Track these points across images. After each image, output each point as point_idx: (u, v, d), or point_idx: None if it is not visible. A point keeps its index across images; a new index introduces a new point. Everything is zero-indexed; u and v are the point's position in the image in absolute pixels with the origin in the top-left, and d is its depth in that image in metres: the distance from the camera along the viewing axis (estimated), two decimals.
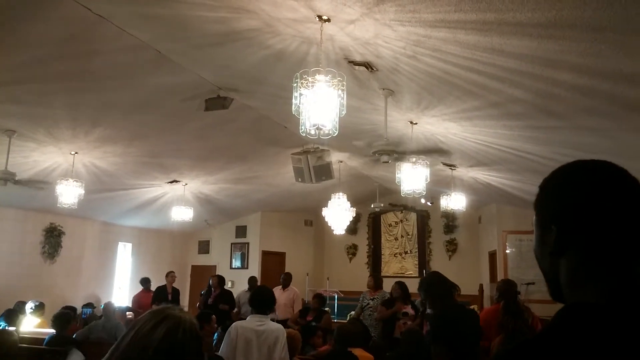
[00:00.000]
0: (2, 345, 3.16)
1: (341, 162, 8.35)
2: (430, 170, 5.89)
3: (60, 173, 7.44)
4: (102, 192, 8.85)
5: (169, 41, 4.42)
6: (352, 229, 12.05)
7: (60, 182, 7.00)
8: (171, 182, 9.14)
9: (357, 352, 4.54)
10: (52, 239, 10.15)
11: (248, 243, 12.52)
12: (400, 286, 6.78)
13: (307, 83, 3.60)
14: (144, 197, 9.91)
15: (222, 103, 5.50)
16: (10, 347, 3.21)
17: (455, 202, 8.04)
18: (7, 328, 5.93)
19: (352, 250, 13.13)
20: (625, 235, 0.78)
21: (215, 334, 5.49)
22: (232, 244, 12.70)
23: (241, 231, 12.65)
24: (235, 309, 8.53)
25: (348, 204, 8.46)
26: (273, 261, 12.33)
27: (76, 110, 5.83)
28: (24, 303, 7.75)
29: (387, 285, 7.46)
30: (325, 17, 3.58)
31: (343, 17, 3.55)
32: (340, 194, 8.40)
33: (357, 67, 4.30)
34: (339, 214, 8.50)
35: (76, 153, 7.12)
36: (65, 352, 4.78)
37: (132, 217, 11.23)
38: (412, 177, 5.73)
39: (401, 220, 12.82)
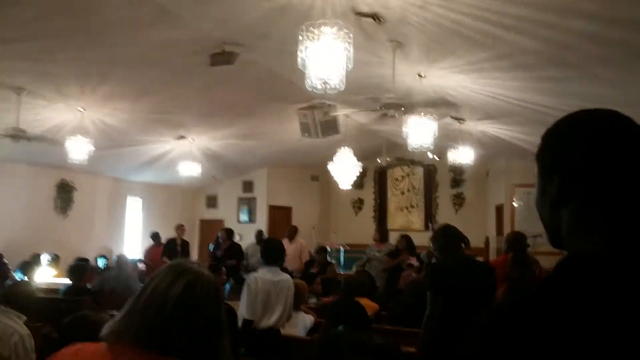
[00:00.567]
0: (20, 295, 3.26)
1: (347, 116, 8.30)
2: (438, 124, 5.85)
3: (70, 130, 7.47)
4: (111, 149, 8.91)
5: None
6: (359, 183, 12.09)
7: (69, 139, 7.05)
8: (178, 138, 9.17)
9: (363, 301, 4.66)
10: (64, 194, 10.32)
11: (255, 198, 12.65)
12: (405, 239, 6.90)
13: (312, 36, 3.55)
14: (153, 153, 9.98)
15: (227, 58, 5.44)
16: (28, 297, 3.30)
17: (463, 156, 8.02)
18: (24, 279, 6.13)
19: (359, 204, 13.25)
20: (628, 185, 0.77)
21: (227, 285, 5.66)
22: (239, 198, 12.85)
23: (248, 186, 12.76)
24: (244, 262, 8.73)
25: (354, 158, 8.47)
26: (280, 215, 12.50)
27: (83, 67, 5.81)
28: (38, 255, 7.99)
29: (394, 240, 7.59)
30: None
31: None
32: (347, 148, 8.40)
33: (364, 18, 4.22)
34: (345, 168, 8.52)
35: (85, 110, 7.14)
36: (81, 301, 4.94)
37: (141, 173, 11.35)
38: (419, 131, 5.71)
39: (408, 175, 12.84)
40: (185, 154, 9.58)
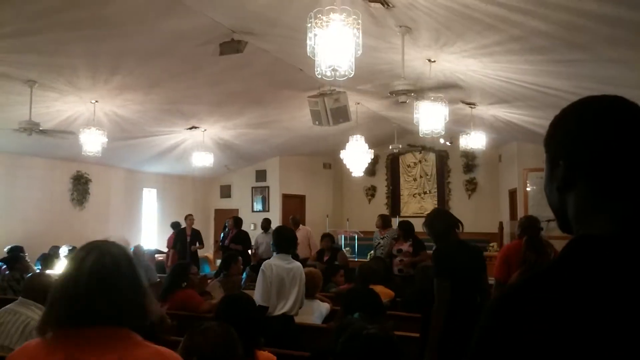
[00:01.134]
0: (40, 286, 3.30)
1: (358, 103, 8.28)
2: (449, 109, 5.82)
3: (83, 122, 7.56)
4: (124, 140, 8.99)
5: None
6: (371, 170, 12.10)
7: (83, 131, 7.13)
8: (190, 128, 9.22)
9: (378, 288, 4.69)
10: (80, 186, 10.46)
11: (268, 187, 12.71)
12: (400, 225, 6.97)
13: (321, 23, 3.54)
14: (165, 144, 10.06)
15: (237, 47, 5.45)
16: (48, 288, 3.34)
17: (474, 141, 7.97)
18: (44, 271, 6.24)
19: (371, 191, 13.25)
20: (632, 169, 0.78)
21: (244, 273, 5.72)
22: (252, 187, 12.92)
23: (261, 175, 12.82)
24: (251, 250, 8.81)
25: (366, 145, 8.45)
26: (293, 204, 12.55)
27: (94, 59, 5.85)
28: (57, 248, 8.11)
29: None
30: None
31: None
32: (358, 136, 8.38)
33: (372, 4, 4.19)
34: (357, 156, 8.52)
35: (97, 102, 7.20)
36: None
37: (155, 164, 11.45)
38: (430, 117, 5.68)
39: (420, 161, 12.80)
40: (198, 144, 9.64)
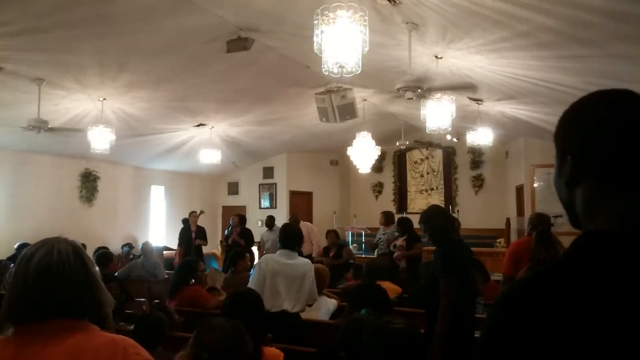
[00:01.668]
0: None
1: (365, 100, 8.27)
2: (456, 105, 5.80)
3: (91, 120, 7.61)
4: (132, 137, 9.04)
5: None
6: (378, 167, 12.09)
7: (91, 129, 7.17)
8: (198, 125, 9.25)
9: (386, 284, 4.71)
10: (88, 183, 10.53)
11: (275, 184, 12.74)
12: (399, 221, 7.07)
13: (328, 20, 3.54)
14: (173, 141, 10.10)
15: (244, 44, 5.46)
16: None
17: (481, 137, 7.94)
18: None
19: (378, 188, 13.25)
20: (638, 163, 0.78)
21: (252, 270, 5.74)
22: (260, 184, 12.96)
23: (268, 172, 12.85)
24: (255, 245, 8.84)
25: (373, 142, 8.45)
26: (301, 200, 12.58)
27: (101, 56, 5.88)
28: None
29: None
30: None
31: None
32: (365, 132, 8.38)
33: (379, 0, 4.18)
34: (364, 152, 8.52)
35: (104, 99, 7.24)
36: (109, 289, 5.07)
37: (163, 161, 11.50)
38: (437, 113, 5.67)
39: (427, 157, 12.78)
40: (205, 142, 9.67)
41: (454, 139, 9.30)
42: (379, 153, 8.92)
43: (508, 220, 10.52)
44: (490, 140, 8.06)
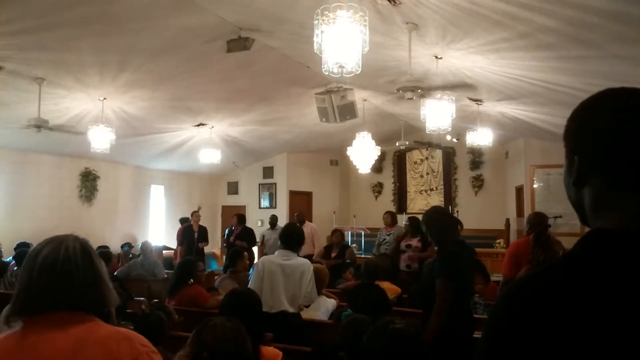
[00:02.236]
0: None
1: (365, 100, 8.27)
2: (455, 106, 5.81)
3: (91, 119, 7.61)
4: (132, 137, 9.04)
5: None
6: (378, 167, 12.10)
7: (91, 128, 7.17)
8: (198, 125, 9.25)
9: (385, 285, 4.71)
10: (88, 182, 10.53)
11: (275, 183, 12.75)
12: (409, 221, 6.95)
13: (328, 20, 3.54)
14: (173, 141, 10.10)
15: (244, 44, 5.46)
16: None
17: (481, 137, 7.94)
18: None
19: (378, 188, 13.25)
20: None
21: (251, 270, 5.74)
22: (260, 184, 12.96)
23: (268, 172, 12.86)
24: (257, 245, 8.84)
25: (373, 142, 8.46)
26: (300, 200, 12.58)
27: (102, 56, 5.89)
28: None
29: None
30: None
31: None
32: (365, 132, 8.39)
33: (379, 0, 4.19)
34: (364, 152, 8.52)
35: (105, 99, 7.24)
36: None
37: (163, 161, 11.50)
38: (437, 114, 5.67)
39: (426, 158, 12.79)
40: (205, 141, 9.67)
41: (454, 140, 9.31)
42: (379, 153, 8.92)
43: (508, 220, 10.52)
44: (490, 141, 8.07)
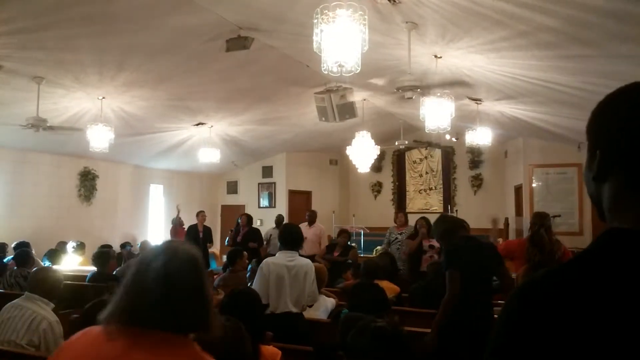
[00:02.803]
0: (46, 281, 3.31)
1: (364, 100, 8.27)
2: (455, 105, 5.80)
3: (90, 118, 7.59)
4: (131, 136, 9.03)
5: None
6: (377, 166, 12.10)
7: (90, 127, 7.16)
8: (197, 124, 9.24)
9: (384, 284, 4.71)
10: (87, 182, 10.51)
11: (275, 183, 12.74)
12: (426, 221, 6.88)
13: (327, 19, 3.54)
14: (172, 140, 10.09)
15: (243, 43, 5.45)
16: (54, 283, 3.34)
17: (480, 137, 7.95)
18: (51, 266, 6.29)
19: (377, 187, 13.25)
20: None
21: (248, 267, 5.74)
22: (259, 184, 12.95)
23: (267, 171, 12.85)
24: (264, 245, 8.83)
25: (372, 141, 8.45)
26: (300, 200, 12.58)
27: (101, 55, 5.88)
28: (65, 243, 8.18)
29: (412, 221, 7.59)
30: None
31: None
32: (364, 132, 8.39)
33: None
34: (363, 152, 8.52)
35: (104, 98, 7.23)
36: (107, 287, 5.05)
37: (162, 160, 11.49)
38: (436, 113, 5.67)
39: (425, 157, 12.79)
40: (205, 141, 9.66)
41: (453, 139, 9.31)
42: (378, 152, 8.92)
43: (507, 219, 10.52)
44: (489, 140, 8.08)
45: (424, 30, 4.79)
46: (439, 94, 5.57)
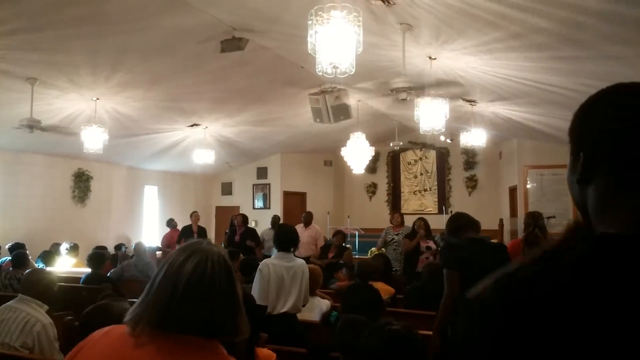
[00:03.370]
0: (40, 283, 3.29)
1: (359, 101, 8.28)
2: (449, 106, 5.82)
3: (84, 119, 7.56)
4: (125, 137, 9.00)
5: None
6: (372, 167, 12.11)
7: (84, 128, 7.13)
8: (192, 125, 9.22)
9: (378, 285, 4.71)
10: (81, 183, 10.47)
11: (269, 184, 12.73)
12: (424, 222, 6.90)
13: (322, 20, 3.54)
14: (167, 142, 10.07)
15: (238, 44, 5.45)
16: (48, 285, 3.32)
17: (475, 138, 7.97)
18: (44, 268, 6.25)
19: (372, 188, 13.26)
20: None
21: None
22: (253, 185, 12.94)
23: (262, 172, 12.84)
24: (260, 245, 8.82)
25: (367, 143, 8.46)
26: (294, 201, 12.57)
27: (95, 56, 5.85)
28: (59, 245, 8.13)
29: (407, 223, 7.62)
30: None
31: None
32: (359, 133, 8.39)
33: (373, 1, 4.19)
34: (358, 153, 8.53)
35: (98, 99, 7.21)
36: (101, 289, 5.03)
37: (157, 161, 11.46)
38: (431, 114, 5.69)
39: (420, 158, 12.81)
40: (199, 142, 9.65)
41: (448, 140, 9.34)
42: (373, 154, 8.93)
43: (501, 221, 10.56)
44: (484, 141, 8.10)
45: (418, 32, 4.80)
46: (433, 96, 5.59)
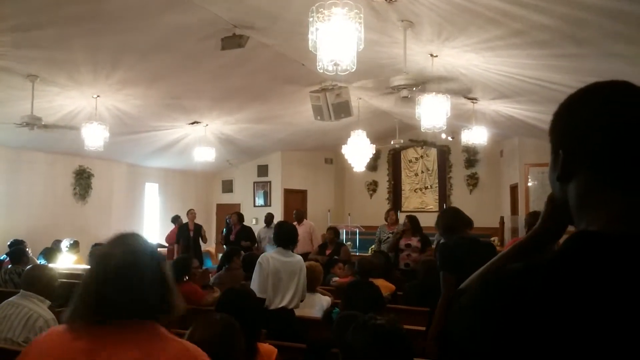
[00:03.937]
0: (41, 279, 3.30)
1: (360, 98, 8.27)
2: (450, 104, 5.81)
3: (85, 116, 7.56)
4: (126, 135, 9.00)
5: None
6: (372, 165, 12.11)
7: (85, 126, 7.13)
8: (192, 123, 9.22)
9: (379, 282, 4.71)
10: (82, 180, 10.48)
11: (270, 182, 12.73)
12: (410, 219, 6.89)
13: (323, 17, 3.53)
14: (167, 139, 10.07)
15: (238, 42, 5.44)
16: (48, 281, 3.34)
17: (476, 136, 7.96)
18: (46, 264, 6.26)
19: (373, 186, 13.26)
20: (636, 159, 0.72)
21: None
22: (254, 182, 12.94)
23: (263, 170, 12.84)
24: (256, 244, 8.83)
25: (368, 140, 8.46)
26: (295, 199, 12.58)
27: (95, 53, 5.85)
28: (60, 241, 8.14)
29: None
30: None
31: None
32: (360, 130, 8.39)
33: None
34: (358, 151, 8.52)
35: (98, 96, 7.20)
36: None
37: (157, 159, 11.46)
38: (432, 112, 5.68)
39: (421, 156, 12.81)
40: (200, 139, 9.65)
41: (449, 138, 9.33)
42: (374, 151, 8.92)
43: (502, 219, 10.57)
44: (485, 139, 8.09)
45: (420, 29, 4.79)
46: (435, 93, 5.58)
